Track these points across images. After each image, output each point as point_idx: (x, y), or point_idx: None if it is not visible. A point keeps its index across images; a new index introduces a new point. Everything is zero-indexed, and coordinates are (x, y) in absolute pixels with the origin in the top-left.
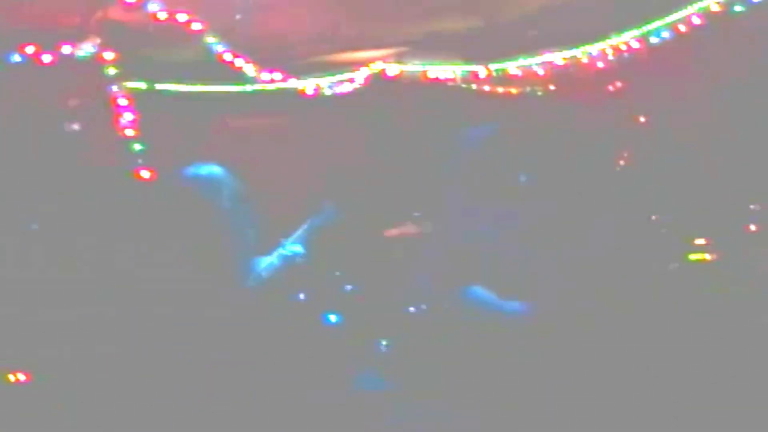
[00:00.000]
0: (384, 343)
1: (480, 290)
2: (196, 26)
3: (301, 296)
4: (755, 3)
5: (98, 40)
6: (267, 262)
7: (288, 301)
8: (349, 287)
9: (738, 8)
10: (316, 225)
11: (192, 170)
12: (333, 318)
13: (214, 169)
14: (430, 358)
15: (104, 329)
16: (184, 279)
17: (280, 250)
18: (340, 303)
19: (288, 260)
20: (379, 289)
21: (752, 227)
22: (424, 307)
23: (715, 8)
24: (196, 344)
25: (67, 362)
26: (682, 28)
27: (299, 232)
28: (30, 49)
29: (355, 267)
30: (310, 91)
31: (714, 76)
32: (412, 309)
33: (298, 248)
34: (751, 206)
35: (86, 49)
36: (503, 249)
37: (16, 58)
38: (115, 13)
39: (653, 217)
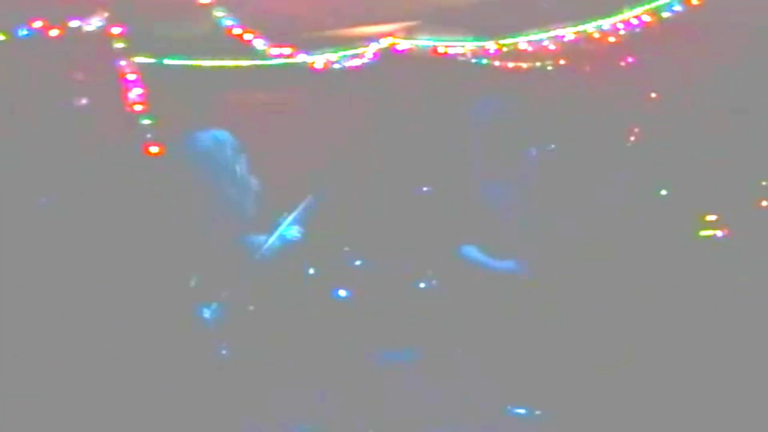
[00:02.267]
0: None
1: (475, 250)
2: (204, 0)
3: (311, 271)
4: None
5: (106, 14)
6: (267, 242)
7: (297, 276)
8: (358, 262)
9: None
10: (311, 206)
11: (197, 136)
12: (342, 293)
13: (219, 134)
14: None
15: (113, 301)
16: (193, 252)
17: (278, 232)
18: (349, 278)
19: (286, 241)
20: (389, 264)
21: (764, 203)
22: (434, 282)
23: None
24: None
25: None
26: (694, 1)
27: (296, 212)
28: (38, 24)
29: (364, 242)
30: (319, 66)
31: (726, 52)
32: (422, 285)
33: (295, 231)
34: (763, 182)
35: (94, 23)
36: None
37: (24, 32)
38: None
39: (663, 192)
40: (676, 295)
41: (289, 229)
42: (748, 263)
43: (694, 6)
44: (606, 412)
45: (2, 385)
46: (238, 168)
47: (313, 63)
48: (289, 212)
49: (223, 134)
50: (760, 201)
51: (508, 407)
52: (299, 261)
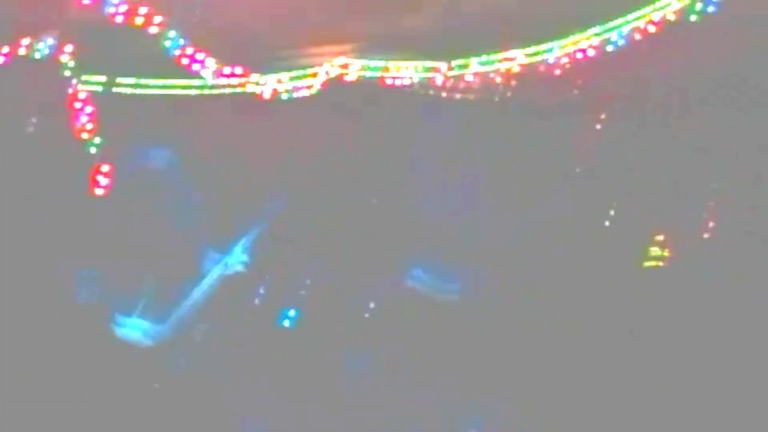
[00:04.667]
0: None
1: (422, 272)
2: (155, 22)
3: (261, 291)
4: (710, 12)
5: (57, 34)
6: (215, 271)
7: (247, 299)
8: (307, 283)
9: (694, 17)
10: (262, 231)
11: (145, 157)
12: (291, 313)
13: (166, 154)
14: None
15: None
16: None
17: (226, 260)
18: (298, 300)
19: (233, 269)
20: (339, 285)
21: (706, 235)
22: (383, 302)
23: (672, 17)
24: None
25: None
26: (642, 32)
27: (245, 240)
28: None
29: (314, 263)
30: (269, 89)
31: (672, 79)
32: (372, 305)
33: (243, 257)
34: (707, 212)
35: (45, 44)
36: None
37: None
38: (74, 8)
39: (610, 216)
40: (620, 318)
41: (238, 254)
42: (693, 289)
43: (641, 39)
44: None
45: None
46: (183, 188)
47: (263, 86)
48: (239, 237)
49: (169, 154)
50: (707, 225)
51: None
52: (248, 282)
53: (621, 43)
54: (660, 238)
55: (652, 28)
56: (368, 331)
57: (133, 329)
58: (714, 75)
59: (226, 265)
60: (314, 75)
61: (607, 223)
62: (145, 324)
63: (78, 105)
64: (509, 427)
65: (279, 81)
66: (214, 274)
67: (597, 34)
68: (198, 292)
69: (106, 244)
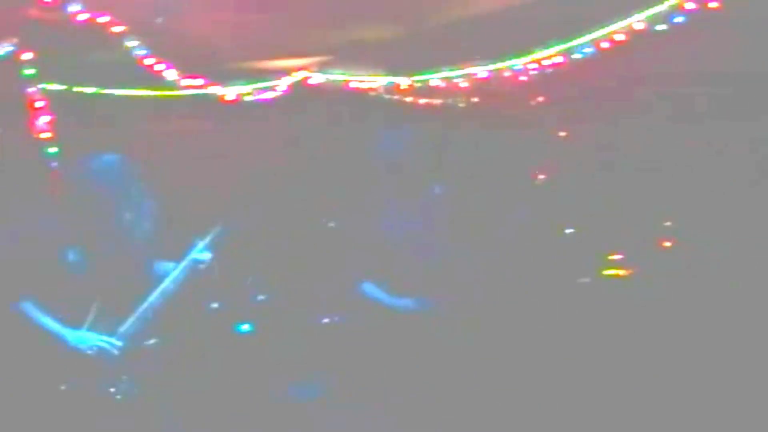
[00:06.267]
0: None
1: (374, 287)
2: (116, 28)
3: (214, 305)
4: (676, 23)
5: (16, 40)
6: (173, 270)
7: (200, 310)
8: (261, 297)
9: (660, 27)
10: (223, 233)
11: (94, 162)
12: (245, 327)
13: (118, 159)
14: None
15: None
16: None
17: (188, 257)
18: (251, 313)
19: (194, 267)
20: (292, 298)
21: (666, 243)
22: (337, 318)
23: (639, 26)
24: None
25: None
26: (605, 44)
27: (208, 239)
28: None
29: (268, 276)
30: (231, 98)
31: (633, 92)
32: (326, 320)
33: (206, 255)
34: (666, 223)
35: (3, 49)
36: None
37: None
38: (34, 13)
39: (567, 231)
40: (578, 333)
41: (198, 255)
42: (649, 302)
43: (604, 48)
44: None
45: None
46: (135, 194)
47: (224, 95)
48: (198, 240)
49: (121, 159)
50: (662, 241)
51: None
52: (203, 293)
53: (588, 51)
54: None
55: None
56: (321, 343)
57: (85, 342)
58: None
59: (189, 261)
60: (275, 88)
61: (568, 231)
62: (96, 336)
63: (36, 112)
64: None
65: (240, 93)
66: (174, 274)
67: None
68: (156, 295)
69: (57, 252)
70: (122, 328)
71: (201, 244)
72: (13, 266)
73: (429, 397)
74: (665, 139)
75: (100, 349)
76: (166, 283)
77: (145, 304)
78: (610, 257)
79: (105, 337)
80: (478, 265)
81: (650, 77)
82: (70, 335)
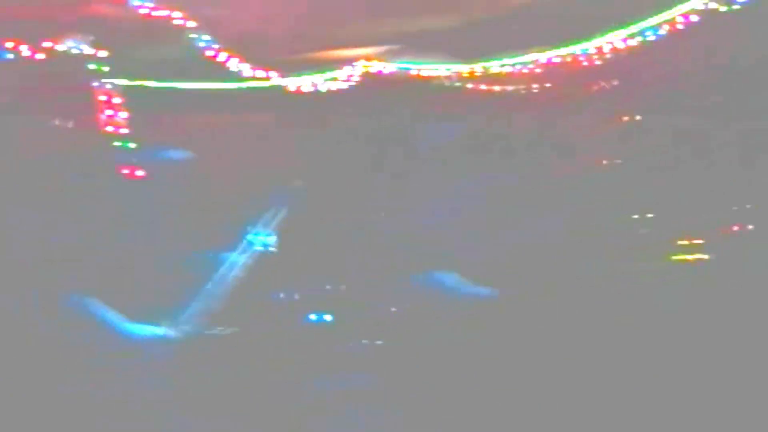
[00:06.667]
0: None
1: (449, 276)
2: (183, 23)
3: (282, 295)
4: (742, 2)
5: (85, 37)
6: (236, 257)
7: (271, 300)
8: (331, 287)
9: (723, 8)
10: (279, 216)
11: (161, 154)
12: (314, 317)
13: (186, 154)
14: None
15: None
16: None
17: (249, 239)
18: (324, 302)
19: (257, 250)
20: (363, 288)
21: (737, 228)
22: (407, 305)
23: (700, 7)
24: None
25: None
26: (671, 27)
27: (267, 220)
28: (20, 45)
29: (338, 266)
30: (295, 89)
31: (702, 75)
32: (393, 309)
33: (271, 239)
34: (737, 208)
35: (72, 45)
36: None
37: (7, 53)
38: (102, 9)
39: (635, 216)
40: (648, 318)
41: (262, 239)
42: (721, 286)
43: (674, 31)
44: None
45: None
46: (204, 185)
47: (289, 86)
48: (260, 226)
49: (190, 154)
50: (733, 227)
51: None
52: (272, 283)
53: (651, 37)
54: (692, 232)
55: (684, 20)
56: (390, 331)
57: (148, 332)
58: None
59: (250, 244)
60: (338, 78)
61: (635, 217)
62: (159, 328)
63: (105, 105)
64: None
65: (306, 82)
66: (236, 258)
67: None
68: (219, 281)
69: (126, 240)
70: (186, 317)
71: (263, 229)
72: (77, 259)
73: (504, 383)
74: (737, 122)
75: (163, 339)
76: (230, 269)
77: (208, 292)
78: (681, 242)
79: (166, 328)
80: (549, 252)
81: (719, 59)
82: (132, 327)
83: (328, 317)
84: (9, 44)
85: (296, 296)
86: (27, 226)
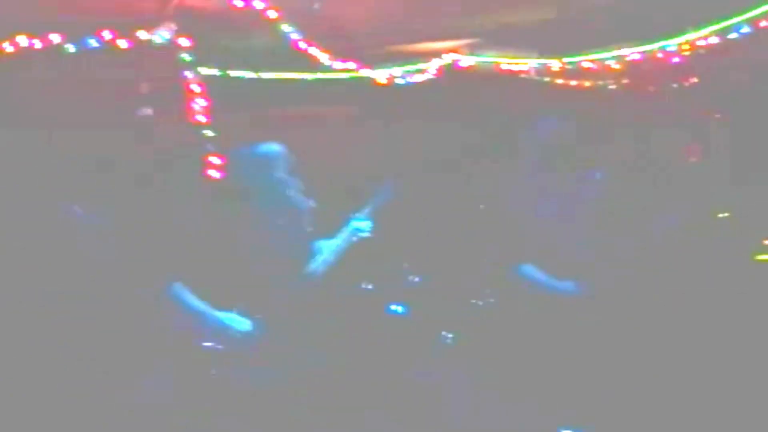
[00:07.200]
0: (449, 335)
1: (534, 270)
2: (271, 14)
3: (368, 287)
4: None
5: (174, 26)
6: (330, 245)
7: (353, 291)
8: (415, 279)
9: None
10: (380, 203)
11: (253, 149)
12: (398, 309)
13: (275, 148)
14: (496, 350)
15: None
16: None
17: (349, 226)
18: (405, 294)
19: (355, 237)
20: (446, 280)
21: None
22: (491, 300)
23: None
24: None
25: None
26: (762, 24)
27: (366, 209)
28: (106, 35)
29: (421, 258)
30: (382, 81)
31: None
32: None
33: (367, 224)
34: None
35: (162, 35)
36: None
37: (93, 43)
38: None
39: (720, 215)
40: (734, 318)
41: (359, 225)
42: None
43: (761, 28)
44: None
45: None
46: (292, 182)
47: (376, 78)
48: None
49: (279, 147)
50: None
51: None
52: (354, 276)
53: (736, 37)
54: None
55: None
56: (476, 325)
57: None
58: None
59: (351, 229)
60: (425, 71)
61: (721, 216)
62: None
63: (193, 96)
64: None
65: (391, 76)
66: (335, 245)
67: (716, 31)
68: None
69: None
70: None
71: (361, 214)
72: (166, 250)
73: (585, 380)
74: None
75: (248, 331)
76: (327, 255)
77: (303, 279)
78: (765, 242)
79: (254, 319)
80: (634, 250)
81: None
82: (220, 317)
83: (405, 309)
84: (105, 34)
85: (381, 286)
86: (116, 218)
